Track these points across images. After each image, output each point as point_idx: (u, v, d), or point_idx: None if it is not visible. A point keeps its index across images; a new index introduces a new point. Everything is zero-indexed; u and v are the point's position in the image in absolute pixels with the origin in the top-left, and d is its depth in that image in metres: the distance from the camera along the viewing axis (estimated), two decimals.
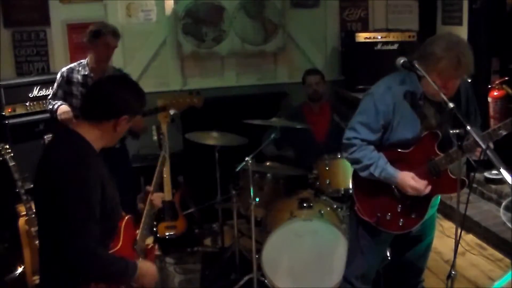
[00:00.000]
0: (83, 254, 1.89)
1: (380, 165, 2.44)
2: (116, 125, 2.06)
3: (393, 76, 2.52)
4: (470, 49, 2.29)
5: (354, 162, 2.54)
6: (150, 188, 2.49)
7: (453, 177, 2.43)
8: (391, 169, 2.44)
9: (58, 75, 3.69)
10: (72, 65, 3.70)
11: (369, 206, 2.57)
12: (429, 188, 2.43)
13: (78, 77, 3.62)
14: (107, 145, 2.13)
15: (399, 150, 2.49)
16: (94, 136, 2.04)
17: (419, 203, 2.49)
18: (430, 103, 2.46)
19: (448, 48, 2.24)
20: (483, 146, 1.96)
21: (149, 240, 2.41)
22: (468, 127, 2.04)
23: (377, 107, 2.45)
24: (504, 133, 2.28)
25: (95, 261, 1.92)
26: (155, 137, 3.23)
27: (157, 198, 2.48)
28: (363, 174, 2.50)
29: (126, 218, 2.18)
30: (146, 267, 2.15)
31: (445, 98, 2.18)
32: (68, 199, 1.88)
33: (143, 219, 2.33)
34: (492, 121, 4.50)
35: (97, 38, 3.54)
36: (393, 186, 2.50)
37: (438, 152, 2.43)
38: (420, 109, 2.46)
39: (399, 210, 2.52)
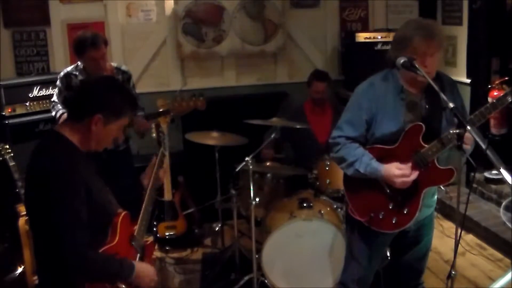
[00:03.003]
0: (73, 259, 1.87)
1: (365, 161, 2.45)
2: (90, 124, 1.99)
3: (377, 74, 2.58)
4: (440, 27, 2.41)
5: (339, 160, 2.56)
6: (154, 160, 2.48)
7: (441, 167, 2.44)
8: (375, 164, 2.45)
9: (58, 82, 3.64)
10: (69, 69, 3.62)
11: (361, 207, 2.57)
12: (416, 173, 2.43)
13: (76, 82, 3.56)
14: (91, 148, 2.06)
15: (385, 146, 2.49)
16: (76, 137, 2.02)
17: (410, 198, 2.48)
18: (412, 96, 2.48)
19: (417, 27, 2.35)
20: (484, 146, 1.96)
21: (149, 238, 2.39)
22: (468, 127, 2.04)
23: (360, 103, 2.51)
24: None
25: (86, 265, 1.90)
26: (154, 134, 3.24)
27: (160, 172, 2.49)
28: (349, 171, 2.51)
29: (123, 214, 2.13)
30: (143, 268, 2.11)
31: (444, 97, 2.18)
32: (52, 205, 1.87)
33: (141, 215, 2.27)
34: (492, 121, 4.50)
35: (81, 54, 3.44)
36: (384, 183, 2.50)
37: (423, 144, 2.44)
38: (403, 102, 2.48)
39: (391, 208, 2.51)
